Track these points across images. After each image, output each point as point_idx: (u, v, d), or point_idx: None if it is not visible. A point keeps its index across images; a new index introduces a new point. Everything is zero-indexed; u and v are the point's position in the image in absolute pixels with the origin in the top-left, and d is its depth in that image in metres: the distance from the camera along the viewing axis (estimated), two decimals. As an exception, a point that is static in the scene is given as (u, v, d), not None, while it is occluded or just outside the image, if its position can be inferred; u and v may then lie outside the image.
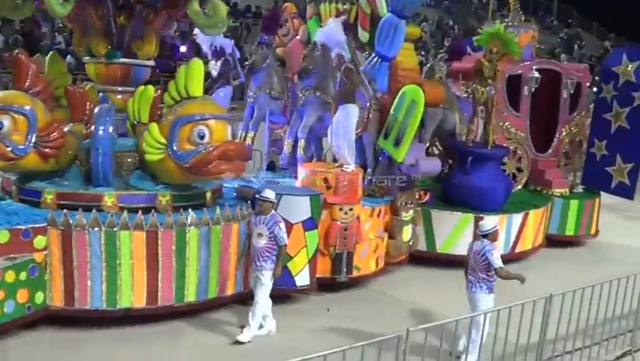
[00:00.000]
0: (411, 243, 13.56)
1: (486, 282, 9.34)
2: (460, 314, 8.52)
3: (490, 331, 8.83)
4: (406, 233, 13.33)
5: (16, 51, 11.10)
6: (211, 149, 10.29)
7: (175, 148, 10.31)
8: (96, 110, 10.75)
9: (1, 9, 11.45)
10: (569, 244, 16.52)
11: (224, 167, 10.47)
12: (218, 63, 14.63)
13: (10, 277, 9.40)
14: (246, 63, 14.18)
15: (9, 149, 10.02)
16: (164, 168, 10.56)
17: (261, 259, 9.93)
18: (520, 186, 16.47)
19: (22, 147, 10.07)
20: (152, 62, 12.17)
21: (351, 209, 11.97)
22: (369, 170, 13.59)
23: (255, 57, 13.90)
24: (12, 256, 9.58)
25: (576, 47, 48.94)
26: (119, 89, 11.86)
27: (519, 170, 16.56)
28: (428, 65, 14.78)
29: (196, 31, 14.00)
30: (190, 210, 10.56)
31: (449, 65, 15.07)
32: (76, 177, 10.90)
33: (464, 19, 46.54)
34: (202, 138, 10.29)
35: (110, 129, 10.51)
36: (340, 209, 11.91)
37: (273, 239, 9.87)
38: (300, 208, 11.28)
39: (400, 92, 13.02)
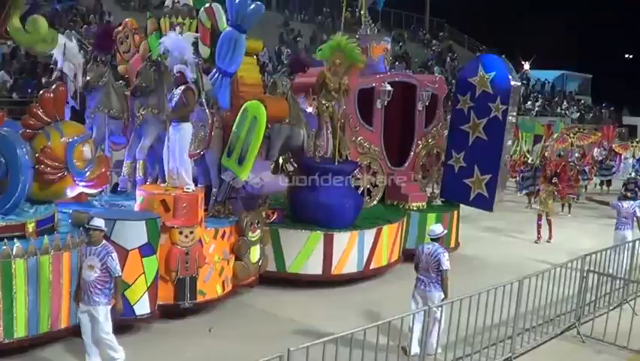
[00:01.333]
0: (260, 263, 13.88)
1: (438, 281, 10.95)
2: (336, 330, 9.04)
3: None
4: (254, 254, 13.72)
5: None
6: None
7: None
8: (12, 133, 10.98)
9: None
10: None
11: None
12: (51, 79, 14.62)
13: None
14: (82, 83, 14.14)
15: None
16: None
17: (93, 294, 9.88)
18: (375, 202, 16.99)
19: None
20: None
21: (191, 232, 12.26)
22: (214, 190, 13.85)
23: (89, 75, 13.93)
24: None
25: (448, 59, 50.68)
26: None
27: (374, 185, 17.08)
28: (271, 81, 15.13)
29: None
30: (15, 240, 10.57)
31: (293, 80, 15.44)
32: None
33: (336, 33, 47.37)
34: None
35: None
36: (180, 232, 12.18)
37: (105, 271, 9.87)
38: (135, 233, 11.48)
39: (242, 108, 13.38)
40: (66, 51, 14.25)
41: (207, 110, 13.77)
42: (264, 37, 40.56)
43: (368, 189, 17.06)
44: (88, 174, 11.48)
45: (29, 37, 11.35)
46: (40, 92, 11.85)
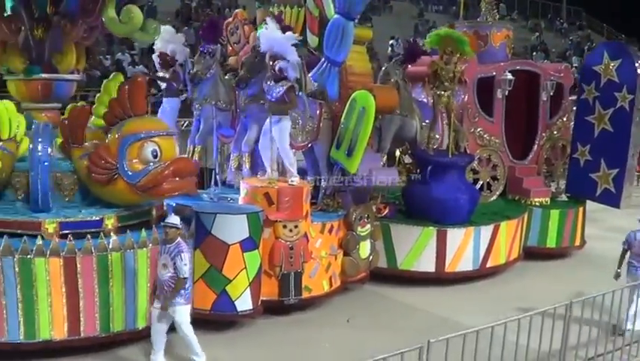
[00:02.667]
0: (370, 259, 13.25)
1: None
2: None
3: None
4: (364, 249, 13.09)
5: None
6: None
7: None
8: (33, 127, 10.56)
9: None
10: (551, 256, 16.13)
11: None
12: (167, 74, 14.39)
13: None
14: (189, 74, 13.85)
15: None
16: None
17: (168, 294, 9.55)
18: (495, 196, 16.07)
19: None
20: (76, 76, 11.96)
21: (296, 226, 11.76)
22: (323, 183, 13.30)
23: (197, 67, 13.62)
24: None
25: (586, 49, 48.54)
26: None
27: (494, 179, 16.19)
28: (383, 69, 14.46)
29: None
30: (130, 231, 10.46)
31: (404, 69, 14.71)
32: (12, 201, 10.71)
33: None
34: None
35: (48, 150, 10.32)
36: (284, 226, 11.71)
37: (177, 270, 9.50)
38: (236, 228, 11.03)
39: (350, 98, 12.78)
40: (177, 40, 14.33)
41: (315, 101, 13.26)
42: (398, 28, 40.44)
43: (488, 182, 16.17)
44: (143, 178, 10.31)
45: (124, 27, 11.04)
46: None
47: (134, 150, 10.24)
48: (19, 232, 10.00)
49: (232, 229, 10.99)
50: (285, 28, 12.57)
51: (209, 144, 14.66)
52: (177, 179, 10.45)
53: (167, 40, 14.31)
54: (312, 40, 13.48)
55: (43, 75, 11.52)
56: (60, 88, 11.69)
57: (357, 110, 12.57)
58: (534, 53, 42.43)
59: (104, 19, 11.03)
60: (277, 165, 12.48)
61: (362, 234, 12.95)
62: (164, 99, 14.62)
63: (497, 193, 16.24)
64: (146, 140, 10.30)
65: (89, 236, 10.08)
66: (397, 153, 15.70)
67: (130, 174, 10.22)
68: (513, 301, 12.60)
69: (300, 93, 12.24)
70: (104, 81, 12.31)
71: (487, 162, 16.09)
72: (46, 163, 10.14)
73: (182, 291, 9.54)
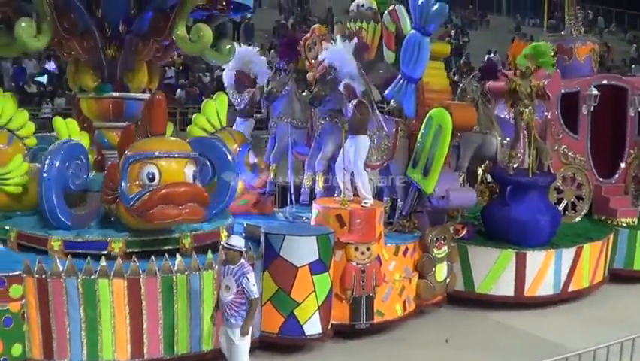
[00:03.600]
0: (447, 282, 12.72)
1: None
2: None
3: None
4: (440, 272, 12.56)
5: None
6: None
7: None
8: (54, 145, 10.42)
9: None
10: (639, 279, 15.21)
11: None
12: (245, 94, 14.09)
13: (-20, 327, 9.13)
14: (264, 92, 13.54)
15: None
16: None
17: (229, 316, 9.13)
18: (580, 217, 15.26)
19: None
20: (148, 95, 11.71)
21: (368, 248, 11.34)
22: (399, 202, 12.87)
23: (272, 85, 13.32)
24: (-16, 306, 9.31)
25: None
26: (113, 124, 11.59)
27: (579, 198, 15.37)
28: (461, 86, 13.88)
29: None
30: (177, 254, 10.19)
31: (482, 85, 14.11)
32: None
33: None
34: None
35: (57, 164, 10.08)
36: (356, 249, 11.31)
37: (241, 292, 9.06)
38: (305, 249, 10.66)
39: (427, 116, 12.33)
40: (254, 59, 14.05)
41: (392, 119, 12.86)
42: (495, 42, 39.74)
43: (572, 202, 15.33)
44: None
45: (194, 45, 10.77)
46: None
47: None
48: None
49: (301, 250, 10.62)
50: (362, 45, 12.18)
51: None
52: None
53: (248, 60, 14.02)
54: (389, 56, 13.01)
55: (115, 94, 11.37)
56: (131, 107, 11.48)
57: (433, 128, 12.12)
58: (633, 66, 40.99)
59: (174, 37, 10.74)
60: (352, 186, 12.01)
61: (438, 256, 12.43)
62: (238, 119, 14.31)
63: (582, 213, 15.39)
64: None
65: (152, 258, 9.88)
66: (479, 171, 15.03)
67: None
68: (608, 323, 12.18)
69: (375, 111, 11.83)
70: (204, 100, 12.10)
71: (571, 180, 15.28)
72: (48, 179, 9.97)
73: (244, 313, 9.11)
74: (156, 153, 9.86)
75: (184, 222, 10.21)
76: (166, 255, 10.04)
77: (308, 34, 14.19)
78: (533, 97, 13.24)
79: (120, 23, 11.18)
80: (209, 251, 10.26)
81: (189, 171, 10.05)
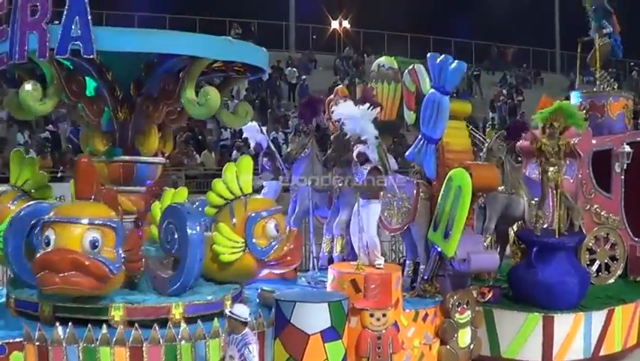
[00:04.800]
0: (471, 348, 12.20)
1: None
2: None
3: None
4: (463, 338, 12.07)
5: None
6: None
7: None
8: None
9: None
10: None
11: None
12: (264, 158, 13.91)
13: (-22, 396, 8.99)
14: (284, 154, 13.33)
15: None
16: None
17: None
18: (614, 278, 14.64)
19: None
20: (159, 159, 11.61)
21: (384, 315, 10.91)
22: (421, 266, 12.51)
23: (291, 146, 13.12)
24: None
25: None
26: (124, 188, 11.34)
27: (613, 259, 14.72)
28: (486, 146, 13.50)
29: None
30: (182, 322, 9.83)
31: (509, 145, 13.70)
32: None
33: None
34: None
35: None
36: (371, 315, 10.89)
37: None
38: (317, 316, 10.26)
39: (447, 177, 11.98)
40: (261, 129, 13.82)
41: (412, 180, 12.54)
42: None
43: (606, 263, 14.67)
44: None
45: (201, 109, 10.56)
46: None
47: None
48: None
49: (312, 317, 10.23)
50: (373, 104, 11.91)
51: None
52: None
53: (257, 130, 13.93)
54: (409, 116, 12.80)
55: (125, 157, 11.23)
56: (142, 171, 11.35)
57: (453, 189, 11.77)
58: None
59: (182, 100, 10.59)
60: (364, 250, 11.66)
61: (461, 321, 11.96)
62: (264, 182, 14.10)
63: (617, 274, 14.73)
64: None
65: (155, 326, 9.58)
66: (511, 232, 14.56)
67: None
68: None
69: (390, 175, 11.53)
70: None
71: (604, 241, 14.65)
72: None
73: None
74: (54, 218, 9.64)
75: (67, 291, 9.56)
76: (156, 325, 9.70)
77: (332, 95, 13.98)
78: (561, 156, 12.74)
79: (131, 86, 11.04)
80: (216, 319, 9.96)
81: (88, 238, 9.47)
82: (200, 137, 27.40)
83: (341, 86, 14.41)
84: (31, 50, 9.66)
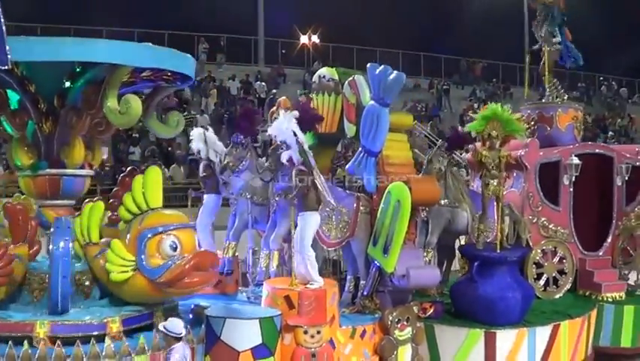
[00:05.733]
0: (412, 366, 11.92)
1: None
2: None
3: None
4: (403, 355, 11.82)
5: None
6: (185, 260, 10.05)
7: (144, 263, 9.98)
8: (54, 224, 10.33)
9: None
10: (627, 357, 14.25)
11: (197, 279, 10.21)
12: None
13: None
14: (220, 167, 13.07)
15: None
16: (131, 285, 10.15)
17: None
18: (562, 292, 14.43)
19: None
20: (86, 171, 11.38)
21: (318, 331, 10.66)
22: (362, 282, 12.28)
23: (228, 159, 12.82)
24: None
25: None
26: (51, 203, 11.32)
27: (561, 273, 14.52)
28: (427, 158, 13.31)
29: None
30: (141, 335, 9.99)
31: (450, 156, 13.50)
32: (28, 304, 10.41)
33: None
34: (174, 249, 10.12)
35: (70, 246, 10.12)
36: (305, 332, 10.64)
37: None
38: (247, 333, 10.01)
39: (386, 191, 11.76)
40: (207, 139, 13.46)
41: (352, 194, 12.37)
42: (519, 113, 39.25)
43: (554, 277, 14.46)
44: (164, 273, 10.03)
45: (122, 118, 10.42)
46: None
47: (153, 244, 9.99)
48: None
49: (243, 334, 9.98)
50: (312, 116, 11.71)
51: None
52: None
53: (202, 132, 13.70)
54: (350, 128, 12.61)
55: (50, 170, 11.08)
56: (69, 184, 11.24)
57: (392, 203, 11.57)
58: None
59: (104, 110, 10.41)
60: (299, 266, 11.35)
61: (401, 338, 11.71)
62: (205, 195, 13.84)
63: (565, 289, 14.52)
64: (164, 233, 10.06)
65: (78, 342, 9.46)
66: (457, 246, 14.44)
67: (149, 269, 9.93)
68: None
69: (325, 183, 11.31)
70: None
71: (552, 254, 14.47)
72: (65, 259, 9.96)
73: None
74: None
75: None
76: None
77: (274, 107, 13.76)
78: (502, 168, 12.51)
79: (54, 98, 10.89)
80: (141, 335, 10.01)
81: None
82: (169, 149, 27.33)
83: (284, 97, 14.04)
84: None
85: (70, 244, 10.09)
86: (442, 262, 14.51)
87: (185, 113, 27.30)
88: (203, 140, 13.45)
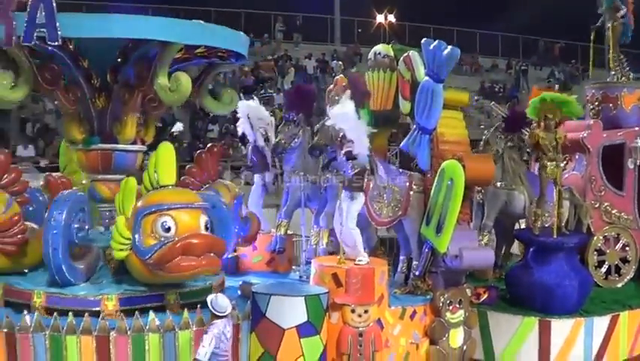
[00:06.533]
0: (464, 349, 11.68)
1: None
2: None
3: None
4: (455, 338, 11.58)
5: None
6: (172, 243, 9.56)
7: (137, 243, 9.71)
8: (57, 196, 10.28)
9: None
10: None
11: (187, 263, 9.62)
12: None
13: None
14: (272, 144, 12.96)
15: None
16: (131, 265, 10.02)
17: None
18: (624, 281, 13.97)
19: None
20: (138, 147, 11.46)
21: (366, 311, 10.51)
22: (414, 263, 12.07)
23: (280, 137, 12.72)
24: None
25: None
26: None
27: (624, 261, 14.04)
28: (484, 139, 12.99)
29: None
30: (151, 312, 9.70)
31: (507, 137, 13.12)
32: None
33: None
34: (167, 230, 9.64)
35: (62, 218, 9.90)
36: (352, 311, 10.49)
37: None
38: (292, 311, 9.91)
39: (439, 169, 11.53)
40: (250, 114, 13.34)
41: (405, 172, 12.22)
42: None
43: (616, 265, 14.00)
44: (153, 254, 9.68)
45: (172, 95, 10.37)
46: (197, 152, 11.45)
47: (147, 223, 9.69)
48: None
49: (288, 312, 9.90)
50: (363, 93, 11.51)
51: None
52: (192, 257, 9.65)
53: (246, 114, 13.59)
54: (404, 105, 12.34)
55: (102, 145, 11.12)
56: (121, 159, 11.26)
57: (445, 182, 11.32)
58: None
59: (155, 87, 10.40)
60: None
61: (452, 321, 11.48)
62: (255, 175, 13.90)
63: (627, 278, 14.03)
64: (158, 213, 9.69)
65: (122, 315, 9.67)
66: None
67: (141, 249, 9.66)
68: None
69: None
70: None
71: (615, 241, 14.00)
72: (55, 232, 9.78)
73: None
74: (167, 205, 9.81)
75: (202, 274, 10.10)
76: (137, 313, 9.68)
77: (332, 86, 13.62)
78: (559, 150, 12.14)
79: (107, 73, 10.88)
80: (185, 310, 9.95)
81: (203, 221, 9.95)
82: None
83: (340, 76, 13.85)
84: None
85: (63, 217, 9.86)
86: (500, 246, 14.15)
87: (262, 92, 27.43)
88: (247, 122, 13.43)
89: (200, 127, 27.37)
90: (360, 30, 44.05)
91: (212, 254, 9.85)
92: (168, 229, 9.59)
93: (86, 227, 10.61)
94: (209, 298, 9.05)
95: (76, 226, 10.28)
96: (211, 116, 26.52)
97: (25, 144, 24.17)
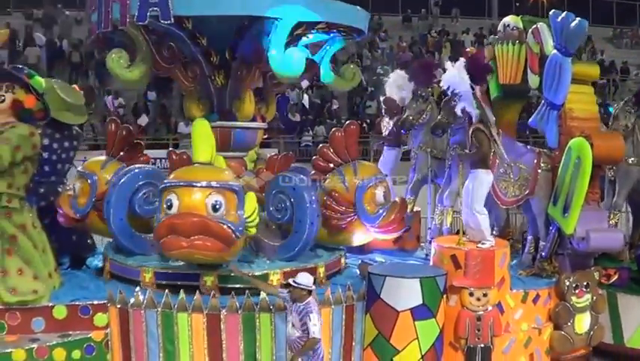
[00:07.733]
0: (591, 334, 11.33)
1: None
2: None
3: None
4: (581, 323, 11.21)
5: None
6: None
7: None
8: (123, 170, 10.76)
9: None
10: None
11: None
12: (391, 121, 13.40)
13: (59, 355, 9.32)
14: (400, 120, 12.77)
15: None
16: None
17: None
18: None
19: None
20: (258, 124, 11.53)
21: (485, 294, 10.25)
22: (541, 243, 11.80)
23: (408, 112, 12.55)
24: (66, 333, 9.57)
25: None
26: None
27: None
28: (612, 114, 12.41)
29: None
30: (262, 292, 9.71)
31: (638, 111, 12.47)
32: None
33: None
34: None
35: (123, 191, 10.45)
36: (471, 294, 10.25)
37: (306, 331, 8.63)
38: (407, 293, 9.82)
39: (567, 147, 11.17)
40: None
41: (533, 150, 11.97)
42: None
43: None
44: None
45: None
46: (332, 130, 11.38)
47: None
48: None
49: (402, 293, 9.80)
50: (484, 67, 11.24)
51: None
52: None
53: (397, 86, 13.26)
54: (533, 79, 11.94)
55: (221, 123, 11.19)
56: (240, 136, 11.38)
57: (572, 160, 11.00)
58: None
59: (270, 63, 10.45)
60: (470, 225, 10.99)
61: (578, 305, 11.12)
62: (385, 148, 13.67)
63: None
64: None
65: (233, 294, 9.59)
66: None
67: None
68: None
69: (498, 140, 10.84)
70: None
71: None
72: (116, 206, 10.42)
73: (311, 352, 8.70)
74: (170, 182, 9.69)
75: (195, 255, 9.53)
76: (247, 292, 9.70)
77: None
78: None
79: (226, 51, 10.99)
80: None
81: (211, 201, 9.40)
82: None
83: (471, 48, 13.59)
84: (115, 19, 9.93)
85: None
86: (637, 226, 13.56)
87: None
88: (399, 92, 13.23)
89: (358, 103, 27.32)
90: (518, 4, 42.86)
91: (209, 237, 9.26)
92: (170, 206, 9.36)
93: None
94: (292, 279, 8.95)
95: (144, 198, 10.59)
96: (369, 91, 26.44)
97: (186, 120, 24.73)
